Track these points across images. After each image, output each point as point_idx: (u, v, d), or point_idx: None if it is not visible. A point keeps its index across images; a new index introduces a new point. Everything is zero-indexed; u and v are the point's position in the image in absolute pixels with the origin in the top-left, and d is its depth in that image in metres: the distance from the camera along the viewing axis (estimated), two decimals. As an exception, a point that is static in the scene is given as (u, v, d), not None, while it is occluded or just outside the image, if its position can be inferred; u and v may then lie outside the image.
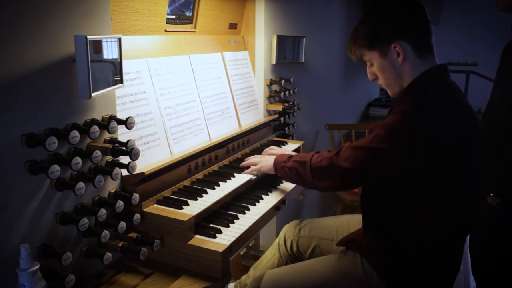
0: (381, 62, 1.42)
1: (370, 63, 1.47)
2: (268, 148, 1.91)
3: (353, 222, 1.79)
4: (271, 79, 2.32)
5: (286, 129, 2.39)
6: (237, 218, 1.50)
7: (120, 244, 1.29)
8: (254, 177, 1.75)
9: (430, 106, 1.30)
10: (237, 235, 1.39)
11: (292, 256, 1.87)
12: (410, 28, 1.38)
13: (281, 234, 1.93)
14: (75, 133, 1.15)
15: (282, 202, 1.71)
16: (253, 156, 1.81)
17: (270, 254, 1.92)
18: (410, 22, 1.39)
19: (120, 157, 1.30)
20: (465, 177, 1.34)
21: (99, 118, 1.29)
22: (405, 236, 1.39)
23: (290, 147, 2.18)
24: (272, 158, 1.70)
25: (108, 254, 1.24)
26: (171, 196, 1.51)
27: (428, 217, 1.35)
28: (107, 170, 1.26)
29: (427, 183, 1.32)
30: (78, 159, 1.15)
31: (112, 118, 1.30)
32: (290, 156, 1.62)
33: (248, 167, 1.76)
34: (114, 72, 1.25)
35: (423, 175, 1.31)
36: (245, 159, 1.81)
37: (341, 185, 1.45)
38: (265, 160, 1.72)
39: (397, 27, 1.38)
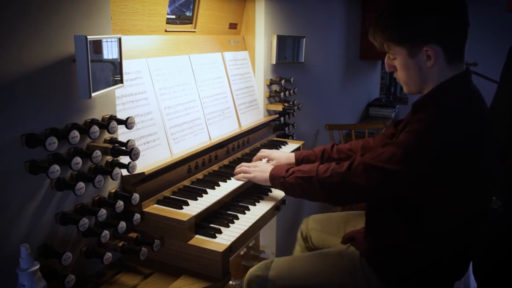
0: (407, 61, 1.33)
1: (392, 56, 1.37)
2: (259, 153, 1.86)
3: (361, 220, 1.78)
4: (271, 79, 2.32)
5: (286, 129, 2.39)
6: (237, 218, 1.50)
7: (120, 244, 1.29)
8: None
9: (450, 118, 1.24)
10: (237, 235, 1.39)
11: (313, 247, 1.92)
12: (448, 32, 1.28)
13: (298, 234, 1.98)
14: (75, 133, 1.15)
15: (282, 202, 1.71)
16: (241, 165, 1.72)
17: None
18: (449, 26, 1.28)
19: (120, 157, 1.29)
20: (478, 183, 1.31)
21: (99, 118, 1.29)
22: (409, 237, 1.38)
23: (290, 147, 2.18)
24: (267, 168, 1.62)
25: (108, 254, 1.24)
26: (171, 196, 1.51)
27: (437, 220, 1.33)
28: (107, 170, 1.26)
29: (437, 189, 1.29)
30: (78, 159, 1.15)
31: (112, 118, 1.30)
32: (288, 169, 1.53)
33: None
34: (114, 72, 1.25)
35: (436, 183, 1.27)
36: (237, 167, 1.73)
37: (354, 200, 1.52)
38: (259, 170, 1.63)
39: (435, 31, 1.28)
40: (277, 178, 1.55)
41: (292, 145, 2.22)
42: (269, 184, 1.61)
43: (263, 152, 1.86)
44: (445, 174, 1.25)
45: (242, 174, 1.68)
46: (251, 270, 1.64)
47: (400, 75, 1.39)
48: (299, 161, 1.81)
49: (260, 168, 1.66)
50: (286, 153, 1.87)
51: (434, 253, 1.37)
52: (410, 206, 1.35)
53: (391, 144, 1.30)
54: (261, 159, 1.84)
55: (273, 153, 1.85)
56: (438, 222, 1.34)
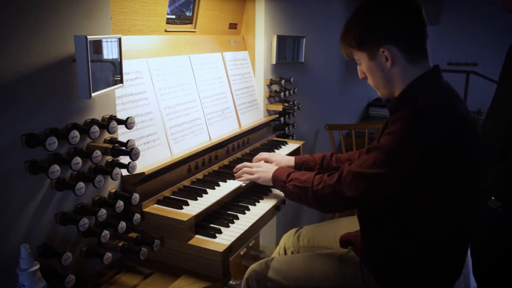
0: (370, 64, 1.39)
1: (358, 62, 1.44)
2: (258, 155, 1.86)
3: (352, 225, 1.77)
4: (271, 79, 2.32)
5: (286, 129, 2.39)
6: (237, 218, 1.50)
7: (120, 244, 1.29)
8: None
9: (425, 118, 1.26)
10: (237, 235, 1.39)
11: None
12: (401, 33, 1.33)
13: (281, 243, 1.93)
14: (75, 133, 1.15)
15: (282, 202, 1.71)
16: (243, 164, 1.74)
17: None
18: (401, 27, 1.33)
19: (120, 157, 1.30)
20: (467, 180, 1.33)
21: (99, 118, 1.29)
22: (400, 237, 1.38)
23: (290, 147, 2.18)
24: (270, 169, 1.65)
25: (108, 254, 1.24)
26: (171, 196, 1.51)
27: (427, 220, 1.34)
28: (107, 170, 1.26)
29: (424, 189, 1.30)
30: (78, 159, 1.15)
31: (112, 118, 1.30)
32: (289, 174, 1.57)
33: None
34: (114, 72, 1.25)
35: (424, 182, 1.29)
36: (238, 166, 1.74)
37: (345, 209, 1.56)
38: (263, 171, 1.66)
39: (386, 31, 1.33)
40: (279, 180, 1.59)
41: (292, 145, 2.22)
42: (271, 184, 1.64)
43: (263, 154, 1.86)
44: (428, 173, 1.26)
45: (246, 175, 1.69)
46: (251, 267, 1.65)
47: (369, 80, 1.45)
48: (298, 165, 1.82)
49: (263, 168, 1.68)
50: (286, 156, 1.87)
51: (427, 252, 1.37)
52: (400, 207, 1.36)
53: (373, 149, 1.33)
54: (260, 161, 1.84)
55: (273, 156, 1.85)
56: (428, 222, 1.34)
